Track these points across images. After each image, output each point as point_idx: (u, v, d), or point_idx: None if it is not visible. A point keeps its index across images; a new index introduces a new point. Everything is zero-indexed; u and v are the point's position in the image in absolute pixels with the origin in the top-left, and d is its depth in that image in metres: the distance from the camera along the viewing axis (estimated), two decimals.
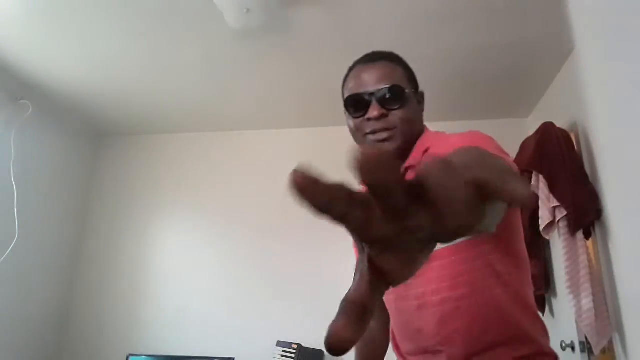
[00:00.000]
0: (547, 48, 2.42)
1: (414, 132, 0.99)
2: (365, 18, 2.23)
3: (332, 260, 3.11)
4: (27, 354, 2.92)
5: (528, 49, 2.44)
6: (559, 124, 2.35)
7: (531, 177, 2.30)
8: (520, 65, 2.60)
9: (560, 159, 2.18)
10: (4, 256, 2.69)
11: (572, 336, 2.17)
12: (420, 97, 1.05)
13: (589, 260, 2.03)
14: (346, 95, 1.01)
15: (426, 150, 0.94)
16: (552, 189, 2.17)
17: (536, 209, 2.26)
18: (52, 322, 3.16)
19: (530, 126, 2.89)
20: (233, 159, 3.52)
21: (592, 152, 2.15)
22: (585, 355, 2.09)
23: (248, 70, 2.73)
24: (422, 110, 1.05)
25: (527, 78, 2.73)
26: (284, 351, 2.76)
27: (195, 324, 3.12)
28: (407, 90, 0.97)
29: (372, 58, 1.03)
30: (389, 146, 0.95)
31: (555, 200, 2.14)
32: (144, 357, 2.98)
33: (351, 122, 1.00)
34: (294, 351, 2.73)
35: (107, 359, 3.10)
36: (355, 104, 0.97)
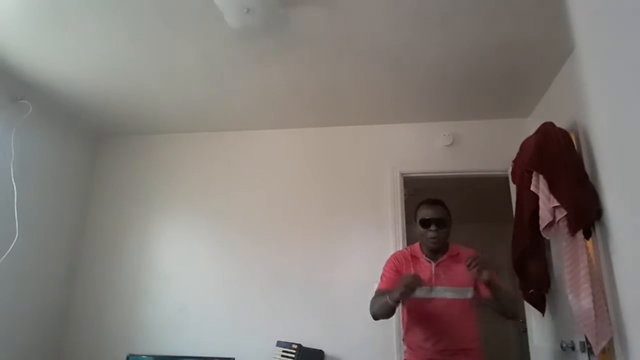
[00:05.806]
0: (547, 48, 2.42)
1: (446, 239, 2.12)
2: (365, 18, 2.23)
3: (332, 262, 3.10)
4: (27, 354, 2.92)
5: (528, 49, 2.44)
6: (559, 124, 2.34)
7: (531, 177, 2.30)
8: (520, 65, 2.60)
9: (560, 158, 2.17)
10: (4, 256, 2.69)
11: (572, 336, 2.17)
12: (450, 222, 2.12)
13: (589, 260, 2.03)
14: (420, 217, 2.11)
15: (457, 254, 2.10)
16: (552, 189, 2.16)
17: (536, 209, 2.26)
18: (52, 322, 3.16)
19: (530, 126, 2.89)
20: (234, 159, 3.52)
21: (592, 152, 2.14)
22: (585, 355, 2.09)
23: (248, 70, 2.73)
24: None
25: (527, 78, 2.73)
26: (284, 351, 2.76)
27: (195, 324, 3.12)
28: (446, 220, 2.09)
29: (434, 202, 2.12)
30: (436, 243, 2.07)
31: (555, 200, 2.13)
32: (144, 357, 2.98)
33: (421, 229, 2.10)
34: (294, 351, 2.73)
35: (107, 359, 3.10)
36: (424, 223, 2.08)
